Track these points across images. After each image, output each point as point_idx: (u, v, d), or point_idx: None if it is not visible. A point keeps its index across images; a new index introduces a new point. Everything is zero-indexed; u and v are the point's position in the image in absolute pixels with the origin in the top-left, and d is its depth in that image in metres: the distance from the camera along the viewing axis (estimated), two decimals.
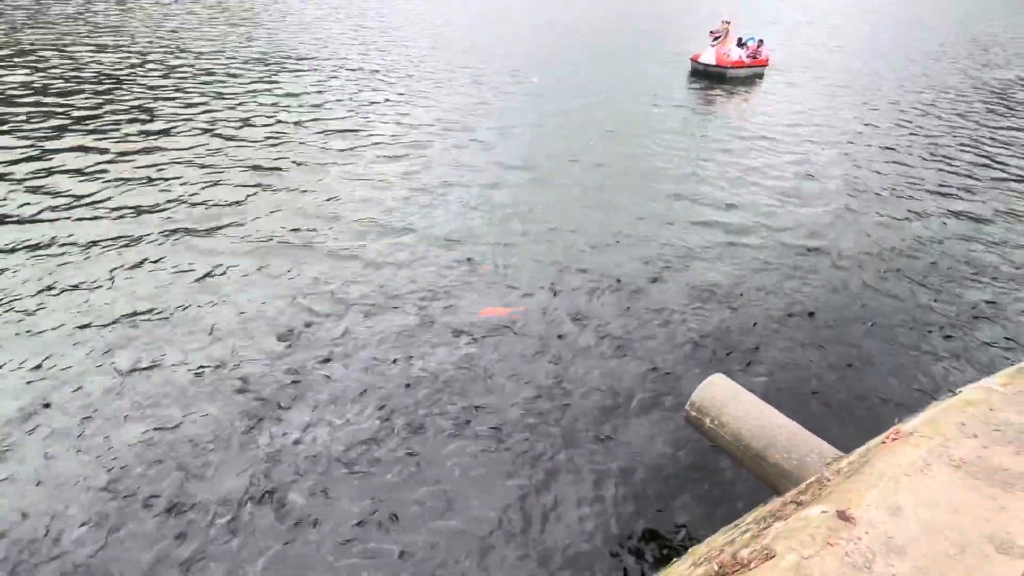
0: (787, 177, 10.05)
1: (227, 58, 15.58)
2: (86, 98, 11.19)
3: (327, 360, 4.93)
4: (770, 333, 5.73)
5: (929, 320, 6.14)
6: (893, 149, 12.13)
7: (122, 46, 15.79)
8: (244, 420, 4.28)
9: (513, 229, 7.46)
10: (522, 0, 38.69)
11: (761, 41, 19.40)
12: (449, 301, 5.84)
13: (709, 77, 18.28)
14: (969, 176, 10.69)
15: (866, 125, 13.87)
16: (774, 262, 7.09)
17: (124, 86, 12.21)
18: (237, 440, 4.12)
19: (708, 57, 18.25)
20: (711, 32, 18.87)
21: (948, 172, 10.83)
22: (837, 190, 9.60)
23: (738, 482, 3.98)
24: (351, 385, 4.68)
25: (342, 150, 9.81)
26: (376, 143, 10.21)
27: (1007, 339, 5.92)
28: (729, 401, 3.32)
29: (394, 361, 4.96)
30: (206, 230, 6.87)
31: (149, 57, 14.84)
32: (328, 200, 7.88)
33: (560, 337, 5.41)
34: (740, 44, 18.98)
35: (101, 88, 11.91)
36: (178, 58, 15.04)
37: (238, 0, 26.88)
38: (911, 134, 13.26)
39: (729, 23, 18.33)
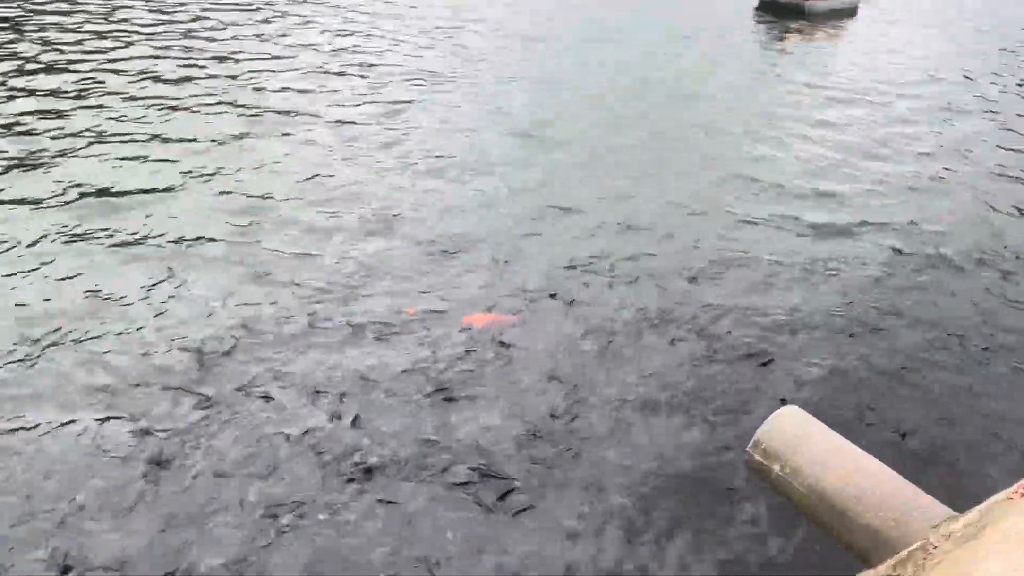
0: (885, 154, 8.45)
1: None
2: None
3: (255, 387, 4.07)
4: (853, 356, 4.91)
5: None
6: None
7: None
8: (147, 467, 3.51)
9: (515, 213, 6.47)
10: None
11: None
12: (426, 305, 4.98)
13: (781, 12, 15.86)
14: None
15: (999, 81, 11.10)
16: (858, 263, 6.15)
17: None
18: (136, 493, 3.33)
19: None
20: None
21: None
22: (956, 173, 7.98)
23: (816, 548, 3.26)
24: (289, 418, 3.86)
25: (301, 113, 8.35)
26: (347, 100, 8.81)
27: None
28: (804, 441, 2.74)
29: (346, 390, 4.11)
30: (114, 224, 5.69)
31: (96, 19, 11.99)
32: (281, 179, 6.66)
33: (571, 355, 4.59)
34: None
35: None
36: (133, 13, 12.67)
37: None
38: None
39: None
